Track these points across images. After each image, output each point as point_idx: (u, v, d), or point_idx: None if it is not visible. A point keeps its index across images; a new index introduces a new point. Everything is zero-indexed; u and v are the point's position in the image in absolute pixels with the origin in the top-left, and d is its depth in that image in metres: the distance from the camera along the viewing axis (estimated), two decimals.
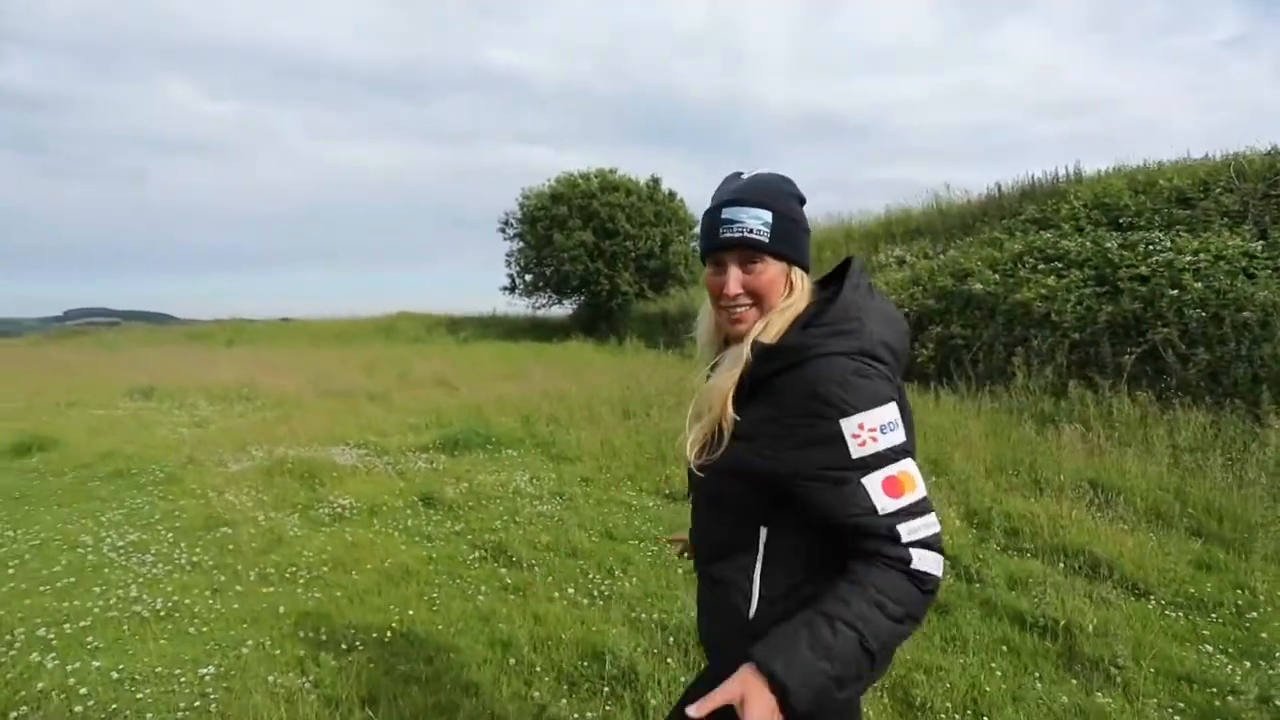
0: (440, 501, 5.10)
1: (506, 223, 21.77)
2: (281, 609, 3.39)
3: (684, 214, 20.45)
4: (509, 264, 22.02)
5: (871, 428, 1.10)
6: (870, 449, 1.10)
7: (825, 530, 1.14)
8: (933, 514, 1.13)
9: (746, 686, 1.03)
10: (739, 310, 1.23)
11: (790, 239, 1.21)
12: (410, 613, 3.34)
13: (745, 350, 1.20)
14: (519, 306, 22.47)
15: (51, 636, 3.08)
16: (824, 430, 1.11)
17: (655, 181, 20.45)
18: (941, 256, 11.64)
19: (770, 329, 1.21)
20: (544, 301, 21.90)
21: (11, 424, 8.05)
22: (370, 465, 6.13)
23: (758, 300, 1.22)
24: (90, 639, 3.06)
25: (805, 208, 1.27)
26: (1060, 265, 9.21)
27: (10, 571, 3.81)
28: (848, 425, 1.10)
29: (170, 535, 4.42)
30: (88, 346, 24.83)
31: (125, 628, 3.17)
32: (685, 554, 1.61)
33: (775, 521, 1.19)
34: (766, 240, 1.19)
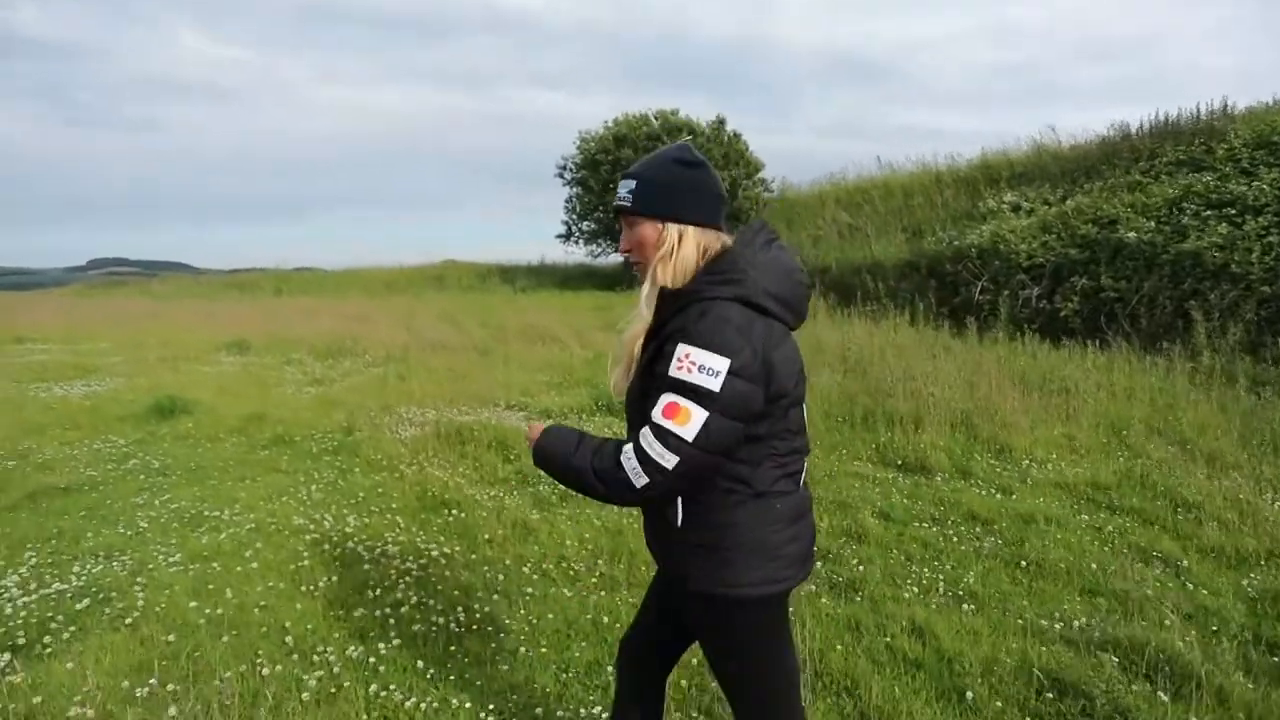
0: None
1: (565, 168, 20.86)
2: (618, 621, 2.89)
3: (750, 156, 19.46)
4: (567, 210, 21.20)
5: (695, 361, 1.27)
6: (681, 375, 1.27)
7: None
8: (673, 455, 1.28)
9: (533, 431, 1.46)
10: (635, 264, 1.47)
11: (653, 199, 1.40)
12: None
13: (643, 302, 1.42)
14: (577, 254, 21.75)
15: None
16: (670, 348, 1.31)
17: (720, 122, 19.40)
18: (1070, 202, 10.81)
19: (667, 276, 1.39)
20: (603, 249, 21.14)
21: (132, 380, 7.57)
22: None
23: (639, 253, 1.44)
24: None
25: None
26: (1233, 211, 8.41)
27: (252, 562, 3.32)
28: (680, 349, 1.28)
29: (397, 519, 3.92)
30: (135, 296, 24.38)
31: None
32: None
33: None
34: (629, 204, 1.42)
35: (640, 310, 1.43)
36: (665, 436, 1.28)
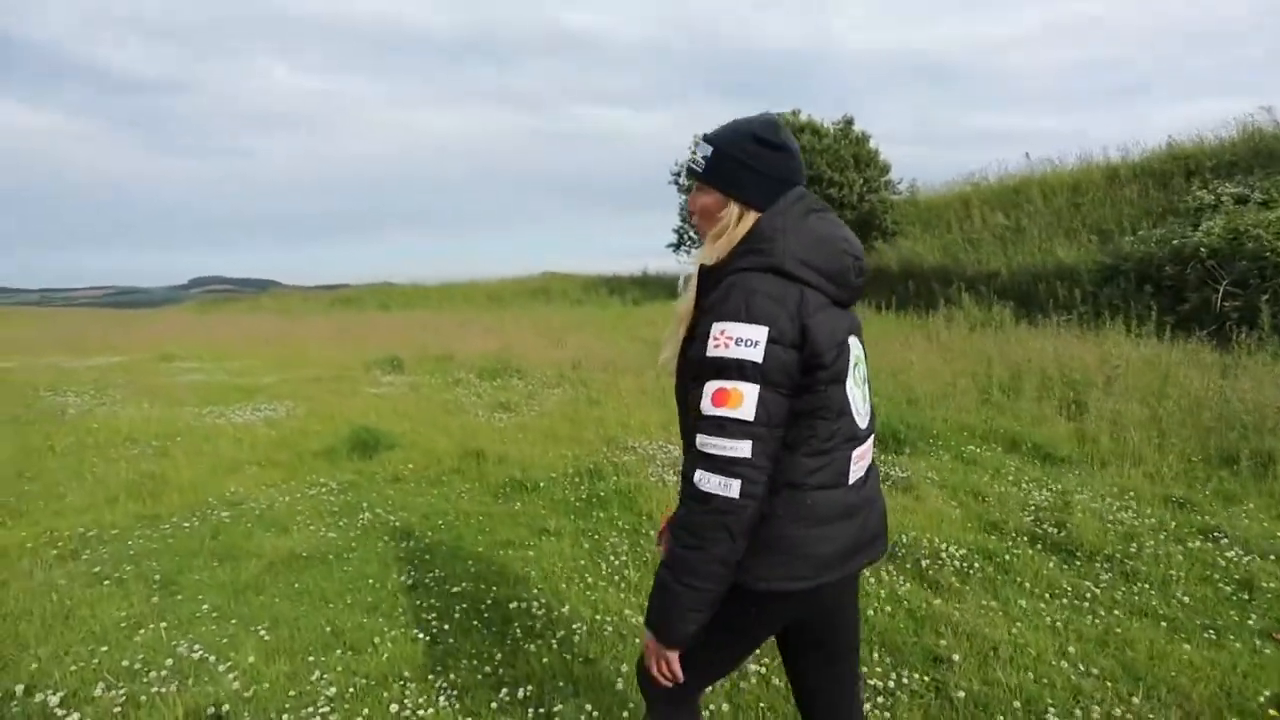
0: (1045, 539, 3.33)
1: (679, 174, 19.83)
2: None
3: (881, 159, 17.98)
4: (682, 218, 20.15)
5: (730, 335, 1.20)
6: (720, 352, 1.20)
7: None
8: (745, 441, 1.18)
9: (649, 642, 1.31)
10: (696, 223, 1.40)
11: (724, 173, 1.33)
12: None
13: (692, 276, 1.38)
14: (682, 264, 20.65)
15: None
16: (704, 329, 1.24)
17: (848, 122, 18.01)
18: None
19: (713, 254, 1.33)
20: None
21: (304, 406, 6.75)
22: None
23: (700, 218, 1.38)
24: None
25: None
26: None
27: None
28: (715, 328, 1.22)
29: None
30: (246, 312, 24.55)
31: None
32: None
33: None
34: (701, 170, 1.36)
35: (687, 290, 1.40)
36: (724, 426, 1.19)
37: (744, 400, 1.18)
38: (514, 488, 4.44)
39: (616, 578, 3.18)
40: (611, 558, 3.38)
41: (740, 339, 1.19)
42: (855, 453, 1.32)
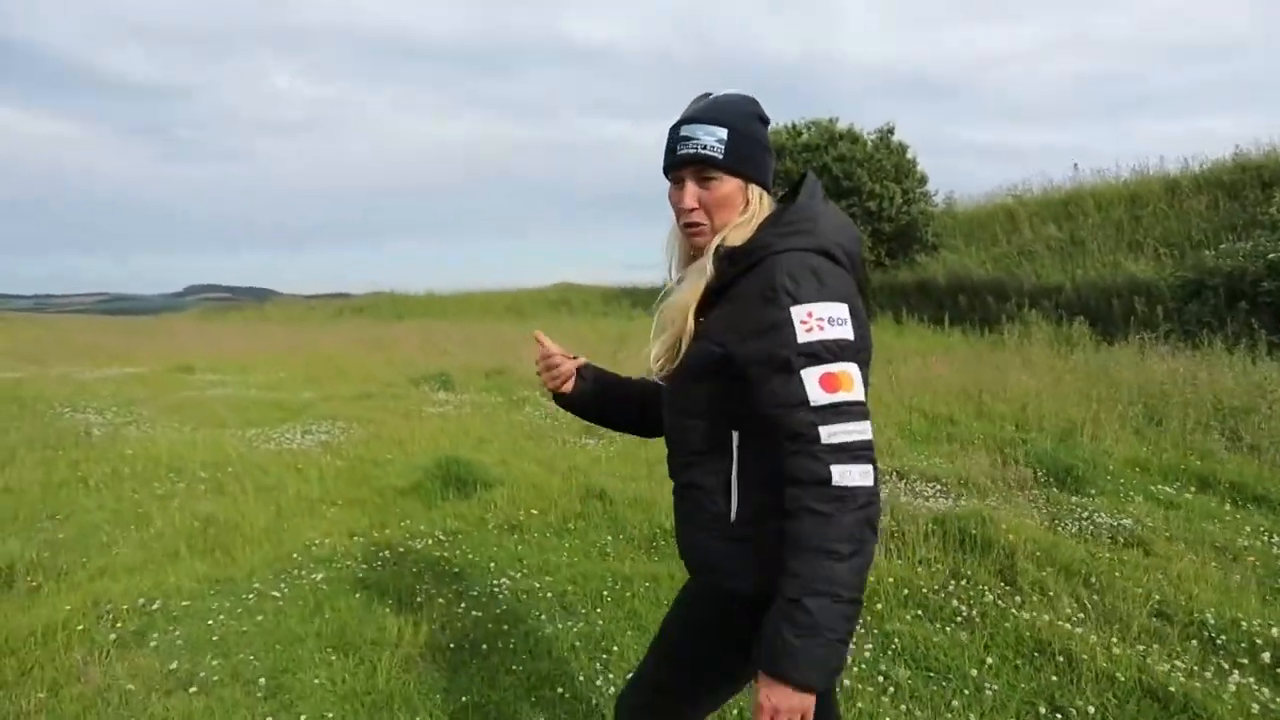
0: None
1: None
2: None
3: (919, 170, 17.29)
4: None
5: (820, 317, 1.10)
6: (816, 335, 1.10)
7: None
8: (865, 421, 1.10)
9: (773, 698, 1.05)
10: (696, 225, 1.23)
11: (745, 156, 1.22)
12: None
13: (707, 263, 1.20)
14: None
15: None
16: (776, 317, 1.11)
17: (889, 131, 17.30)
18: None
19: (731, 238, 1.20)
20: None
21: (360, 429, 5.85)
22: (1059, 534, 3.60)
23: (712, 215, 1.23)
24: None
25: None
26: None
27: None
28: (797, 312, 1.10)
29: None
30: (253, 321, 23.64)
31: None
32: (554, 379, 1.46)
33: (745, 427, 1.18)
34: (720, 156, 1.20)
35: (702, 269, 1.20)
36: (844, 411, 1.08)
37: (853, 380, 1.10)
38: (666, 539, 3.60)
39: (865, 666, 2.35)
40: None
41: (831, 318, 1.11)
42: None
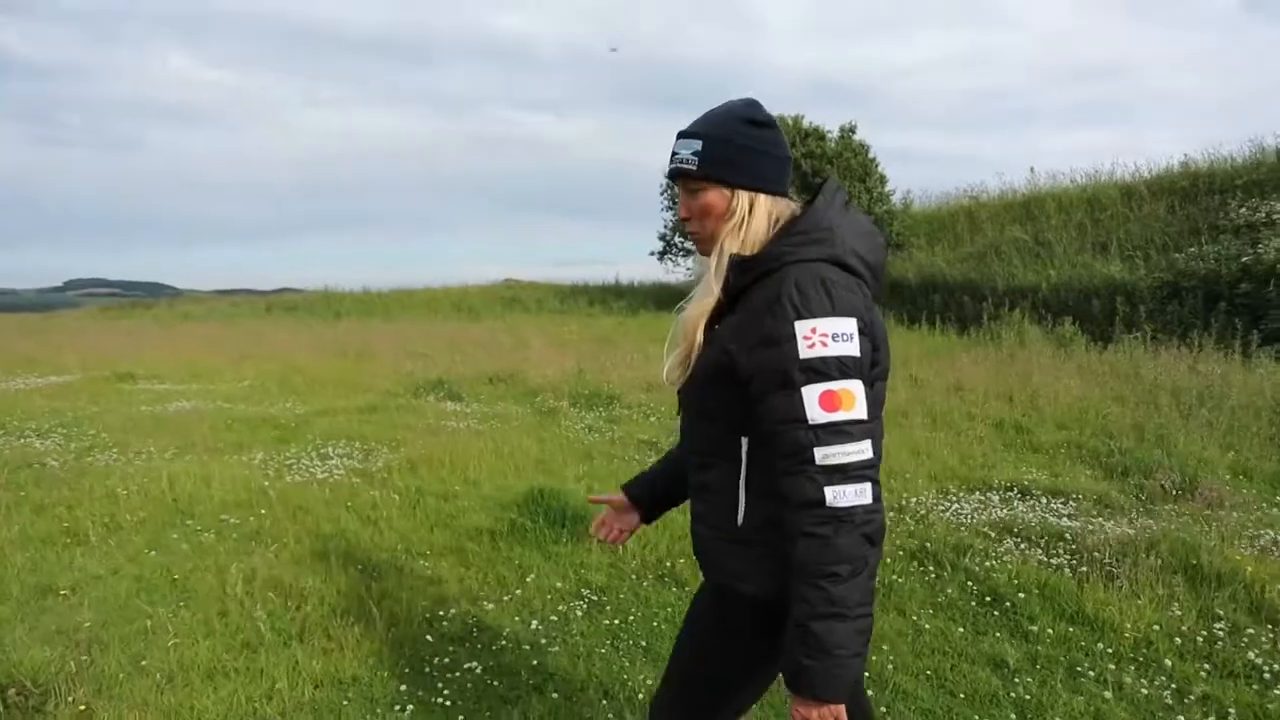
0: None
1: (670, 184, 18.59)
2: None
3: (880, 170, 17.35)
4: (671, 229, 18.90)
5: (824, 332, 1.10)
6: (818, 352, 1.09)
7: None
8: (866, 441, 1.09)
9: (802, 710, 1.09)
10: (694, 233, 1.27)
11: (724, 162, 1.21)
12: None
13: (712, 276, 1.21)
14: (678, 273, 19.45)
15: None
16: (780, 331, 1.10)
17: (851, 130, 17.28)
18: None
19: (737, 247, 1.20)
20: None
21: (394, 450, 4.90)
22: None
23: (704, 223, 1.24)
24: None
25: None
26: None
27: None
28: (801, 327, 1.10)
29: None
30: (171, 320, 21.35)
31: None
32: (606, 531, 1.57)
33: (755, 433, 1.17)
34: (694, 168, 1.22)
35: (709, 284, 1.22)
36: (844, 431, 1.07)
37: (856, 399, 1.09)
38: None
39: None
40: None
41: (836, 334, 1.09)
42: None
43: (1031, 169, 16.93)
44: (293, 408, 6.84)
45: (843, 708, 1.11)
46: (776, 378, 1.10)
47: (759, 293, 1.14)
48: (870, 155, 17.32)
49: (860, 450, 1.07)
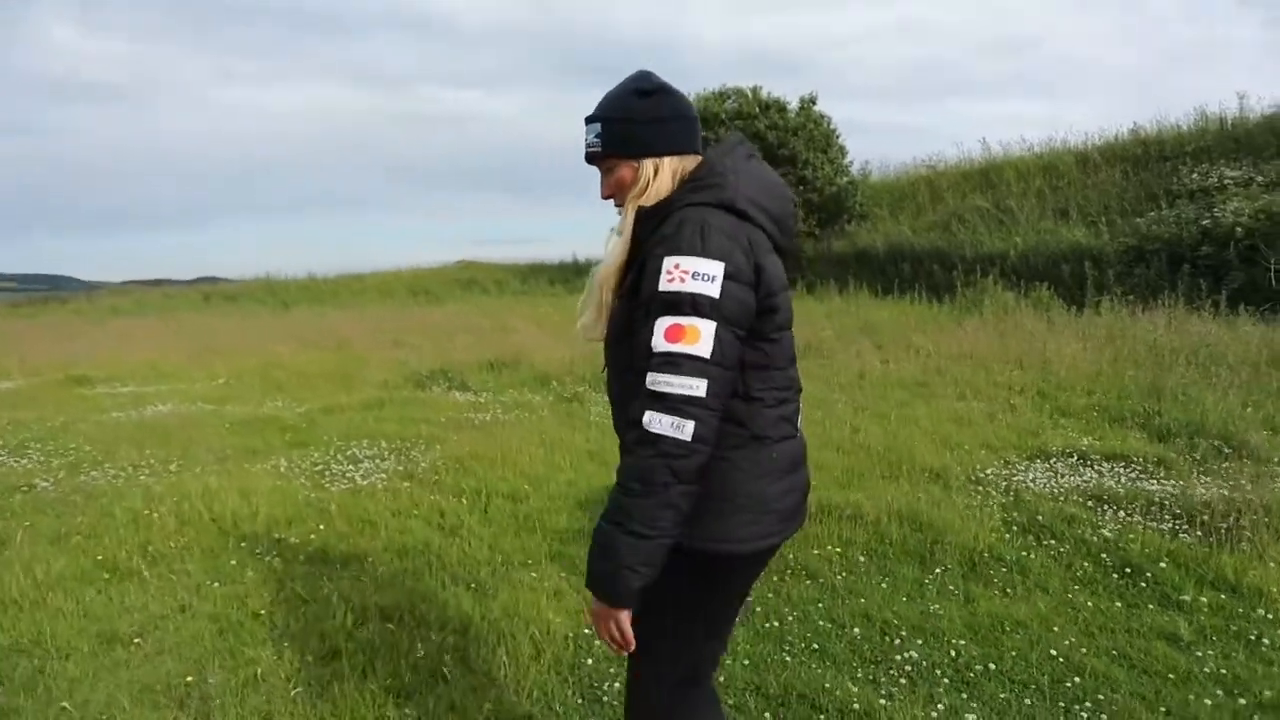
0: None
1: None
2: None
3: (840, 141, 17.38)
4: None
5: (685, 269, 1.13)
6: (675, 286, 1.13)
7: None
8: (698, 379, 1.11)
9: (591, 606, 1.21)
10: (619, 207, 1.32)
11: (623, 137, 1.28)
12: None
13: (624, 229, 1.27)
14: None
15: None
16: (653, 265, 1.17)
17: (811, 101, 17.18)
18: None
19: (648, 198, 1.26)
20: None
21: (427, 449, 4.51)
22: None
23: (620, 197, 1.32)
24: None
25: None
26: None
27: None
28: (667, 262, 1.15)
29: None
30: (96, 314, 19.73)
31: None
32: None
33: None
34: (600, 149, 1.30)
35: (622, 236, 1.28)
36: (679, 363, 1.12)
37: (700, 336, 1.12)
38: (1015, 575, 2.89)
39: None
40: None
41: (696, 273, 1.13)
42: (799, 400, 1.33)
43: (983, 139, 17.29)
44: (288, 406, 6.31)
45: (624, 615, 1.17)
46: (643, 308, 1.16)
47: (654, 237, 1.20)
48: (831, 126, 17.33)
49: (686, 385, 1.10)
